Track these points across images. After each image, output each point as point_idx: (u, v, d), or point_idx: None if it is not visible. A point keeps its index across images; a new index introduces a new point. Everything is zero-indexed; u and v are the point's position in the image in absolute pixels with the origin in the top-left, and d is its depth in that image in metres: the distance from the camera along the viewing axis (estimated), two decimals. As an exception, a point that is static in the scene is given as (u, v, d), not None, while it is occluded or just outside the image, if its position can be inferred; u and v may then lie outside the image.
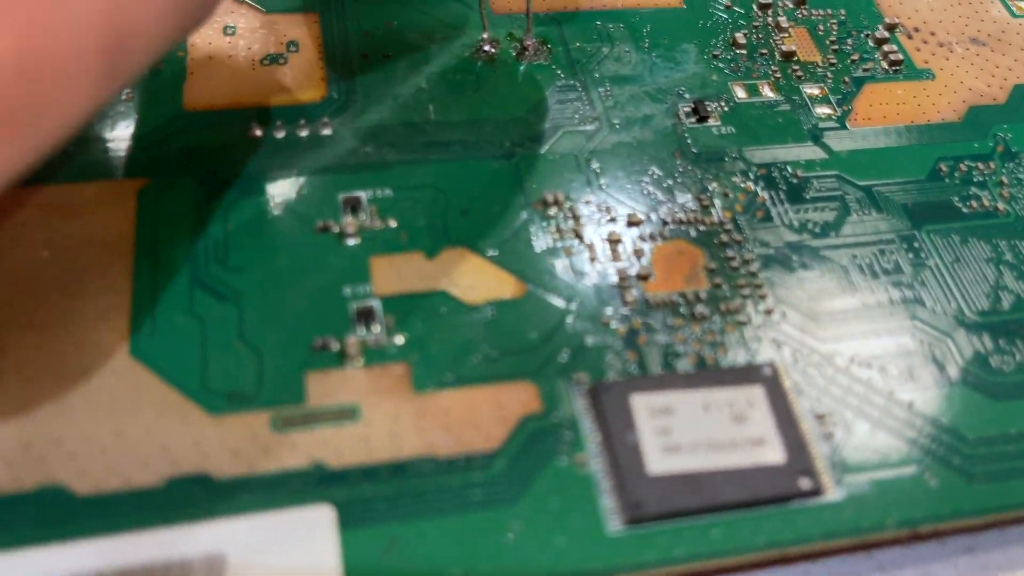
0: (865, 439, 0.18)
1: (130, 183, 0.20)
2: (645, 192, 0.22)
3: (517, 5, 0.25)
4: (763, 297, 0.20)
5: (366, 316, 0.19)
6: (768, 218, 0.21)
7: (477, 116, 0.23)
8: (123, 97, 0.22)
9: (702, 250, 0.21)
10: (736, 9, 0.26)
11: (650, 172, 0.22)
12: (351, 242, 0.20)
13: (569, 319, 0.19)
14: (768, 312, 0.20)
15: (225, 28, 0.24)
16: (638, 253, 0.20)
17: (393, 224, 0.20)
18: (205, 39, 0.23)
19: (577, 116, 0.23)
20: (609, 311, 0.19)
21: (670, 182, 0.22)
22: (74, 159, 0.21)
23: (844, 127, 0.23)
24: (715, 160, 0.22)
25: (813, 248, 0.21)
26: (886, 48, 0.25)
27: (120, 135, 0.21)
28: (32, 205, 0.20)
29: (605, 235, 0.21)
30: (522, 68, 0.24)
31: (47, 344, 0.18)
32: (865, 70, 0.25)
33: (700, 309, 0.20)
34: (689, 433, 0.18)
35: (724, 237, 0.21)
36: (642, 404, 0.18)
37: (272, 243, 0.20)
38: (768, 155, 0.23)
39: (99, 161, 0.21)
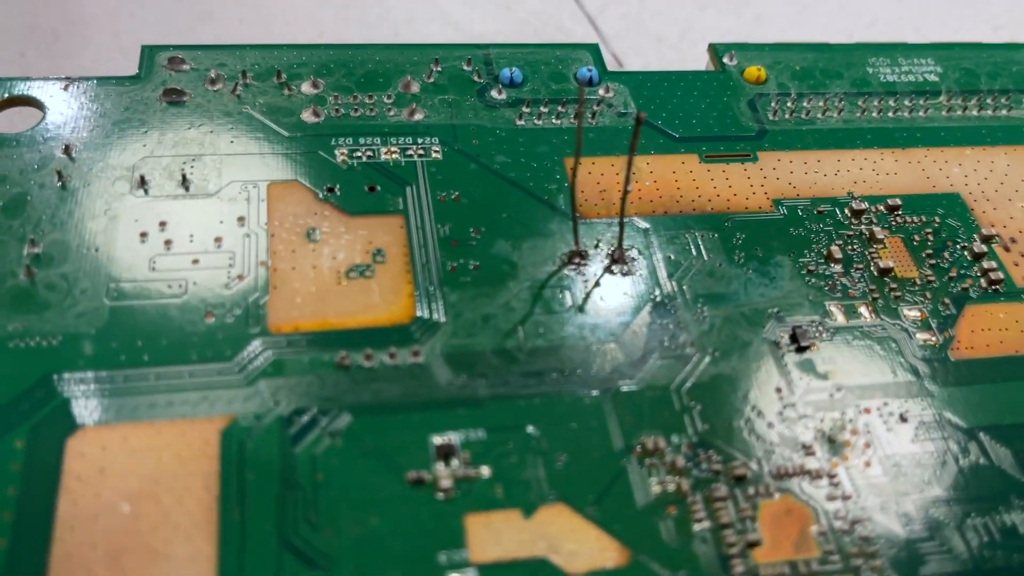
0: None
1: (213, 422, 0.19)
2: (747, 436, 0.21)
3: (607, 210, 0.24)
4: (876, 570, 0.19)
5: (465, 594, 0.18)
6: (876, 465, 0.20)
7: (569, 340, 0.22)
8: (207, 318, 0.21)
9: (810, 509, 0.20)
10: (829, 215, 0.25)
11: (751, 411, 0.21)
12: (444, 497, 0.19)
13: (677, 598, 0.18)
14: (883, 587, 0.19)
15: (308, 232, 0.23)
16: (743, 514, 0.19)
17: (486, 473, 0.19)
18: (288, 244, 0.22)
19: (672, 342, 0.22)
20: (718, 587, 0.18)
21: (773, 425, 0.21)
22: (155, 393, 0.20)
23: (947, 358, 0.23)
24: (817, 398, 0.21)
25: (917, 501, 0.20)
26: (985, 264, 0.24)
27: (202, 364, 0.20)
28: (111, 448, 0.19)
29: (707, 490, 0.20)
30: (614, 282, 0.23)
31: (130, 623, 0.17)
32: (964, 288, 0.24)
33: (812, 584, 0.19)
34: None
35: (834, 491, 0.20)
36: None
37: (363, 498, 0.19)
38: (871, 391, 0.22)
39: (178, 396, 0.20)
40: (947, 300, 0.24)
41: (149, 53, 0.26)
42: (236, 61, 0.26)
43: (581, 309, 0.22)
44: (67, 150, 0.23)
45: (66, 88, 0.25)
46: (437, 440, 0.20)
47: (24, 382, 0.19)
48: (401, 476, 0.19)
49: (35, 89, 0.25)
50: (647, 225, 0.24)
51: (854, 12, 0.40)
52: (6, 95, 0.24)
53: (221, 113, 0.25)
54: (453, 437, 0.20)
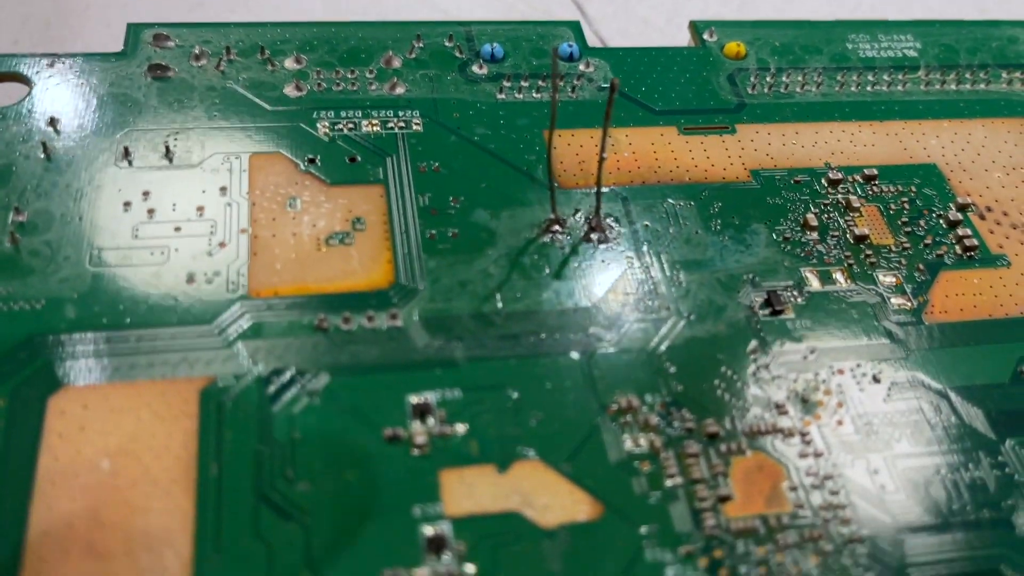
0: None
1: (192, 382, 0.20)
2: (721, 396, 0.21)
3: (585, 180, 0.25)
4: (846, 522, 0.19)
5: (437, 545, 0.18)
6: (848, 424, 0.21)
7: (546, 305, 0.22)
8: (188, 283, 0.21)
9: (782, 466, 0.20)
10: (806, 185, 0.25)
11: (725, 372, 0.21)
12: (420, 452, 0.19)
13: (648, 550, 0.18)
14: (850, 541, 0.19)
15: (289, 201, 0.23)
16: (715, 470, 0.20)
17: (462, 430, 0.20)
18: (268, 213, 0.23)
19: (648, 305, 0.22)
20: (689, 540, 0.19)
21: (747, 384, 0.21)
22: (135, 354, 0.20)
23: (920, 322, 0.23)
24: (791, 359, 0.22)
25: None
26: (960, 231, 0.25)
27: (181, 327, 0.21)
28: (92, 407, 0.19)
29: (680, 448, 0.20)
30: (591, 250, 0.23)
31: (109, 573, 0.17)
32: (939, 255, 0.24)
33: (783, 537, 0.19)
34: None
35: (805, 448, 0.20)
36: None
37: (340, 453, 0.19)
38: (844, 353, 0.22)
39: (159, 357, 0.20)
40: (922, 266, 0.24)
41: (134, 31, 0.26)
42: (220, 38, 0.27)
43: (558, 275, 0.23)
44: (52, 123, 0.24)
45: (52, 64, 0.25)
46: (413, 399, 0.20)
47: (7, 343, 0.20)
48: (378, 433, 0.19)
49: (23, 66, 0.25)
50: (625, 194, 0.25)
51: (839, -4, 0.40)
52: (-6, 70, 0.25)
53: (205, 88, 0.25)
54: (429, 396, 0.20)
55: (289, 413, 0.20)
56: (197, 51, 0.26)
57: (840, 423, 0.21)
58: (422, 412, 0.20)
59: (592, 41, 0.35)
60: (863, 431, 0.21)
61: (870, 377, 0.22)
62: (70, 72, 0.25)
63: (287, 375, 0.20)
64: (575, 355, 0.21)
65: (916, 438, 0.21)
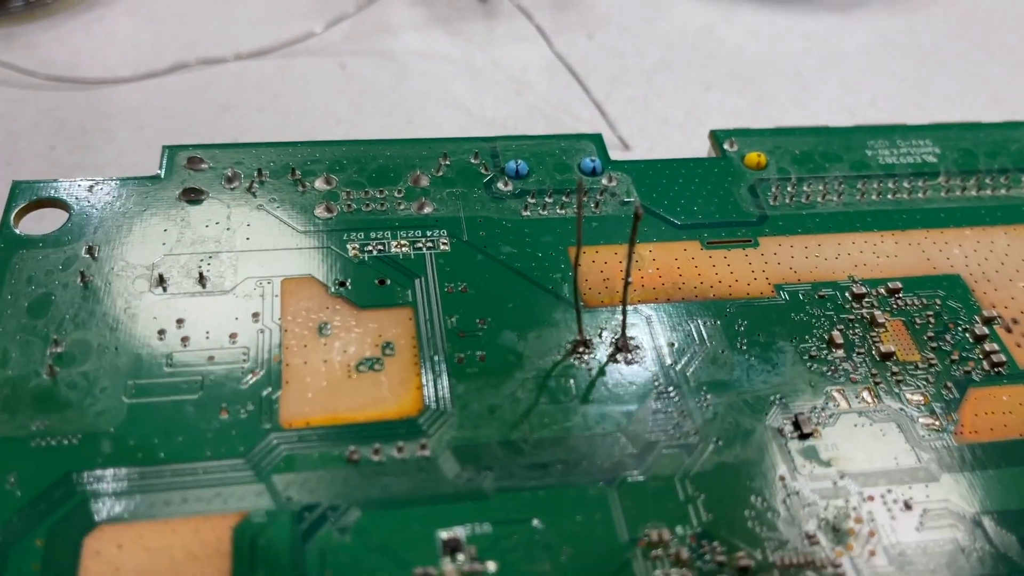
0: None
1: (226, 519, 0.20)
2: (752, 527, 0.21)
3: (610, 298, 0.25)
4: (883, 662, 0.19)
5: None
6: (880, 555, 0.21)
7: (574, 430, 0.22)
8: (221, 415, 0.22)
9: (815, 601, 0.20)
10: (830, 299, 0.26)
11: (755, 500, 0.21)
12: (451, 592, 0.19)
13: None
14: None
15: (321, 327, 0.23)
16: (749, 606, 0.20)
17: (493, 568, 0.20)
18: (300, 339, 0.23)
19: (676, 430, 0.22)
20: None
21: (778, 514, 0.21)
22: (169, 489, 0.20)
23: (950, 443, 0.23)
24: (821, 485, 0.22)
25: (930, 594, 0.20)
26: (987, 346, 0.25)
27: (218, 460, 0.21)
28: (127, 546, 0.19)
29: (713, 583, 0.20)
30: (617, 372, 0.23)
31: None
32: (966, 372, 0.24)
33: None
34: None
35: (837, 583, 0.20)
36: None
37: (371, 594, 0.19)
38: (874, 477, 0.22)
39: (192, 493, 0.20)
40: (949, 384, 0.24)
41: (170, 153, 0.27)
42: (252, 159, 0.27)
43: (586, 399, 0.23)
44: (90, 251, 0.24)
45: (91, 189, 0.26)
46: (444, 535, 0.20)
47: (45, 480, 0.20)
48: (408, 572, 0.19)
49: (62, 191, 0.26)
50: (650, 313, 0.25)
51: (855, 90, 0.41)
52: (35, 198, 0.26)
53: (237, 211, 0.26)
54: (459, 531, 0.20)
55: (321, 550, 0.20)
56: (230, 173, 0.27)
57: (872, 553, 0.21)
58: (452, 549, 0.20)
59: (617, 146, 0.35)
60: (896, 562, 0.21)
61: (901, 504, 0.22)
62: (107, 196, 0.26)
63: (318, 511, 0.20)
64: (604, 484, 0.21)
65: (951, 568, 0.21)
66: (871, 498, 0.22)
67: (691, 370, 0.24)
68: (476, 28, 0.44)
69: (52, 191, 0.26)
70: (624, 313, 0.24)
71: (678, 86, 0.41)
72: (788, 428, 0.23)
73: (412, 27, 0.44)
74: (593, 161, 0.28)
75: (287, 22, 0.42)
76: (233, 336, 0.23)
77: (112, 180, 0.26)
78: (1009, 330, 0.25)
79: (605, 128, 0.37)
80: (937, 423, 0.23)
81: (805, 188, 0.29)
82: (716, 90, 0.41)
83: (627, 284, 0.23)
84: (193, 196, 0.26)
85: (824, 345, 0.25)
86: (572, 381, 0.23)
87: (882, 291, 0.26)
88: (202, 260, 0.25)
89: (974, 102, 0.41)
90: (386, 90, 0.40)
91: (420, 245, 0.26)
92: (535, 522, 0.20)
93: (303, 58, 0.41)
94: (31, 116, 0.37)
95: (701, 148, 0.35)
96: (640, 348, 0.24)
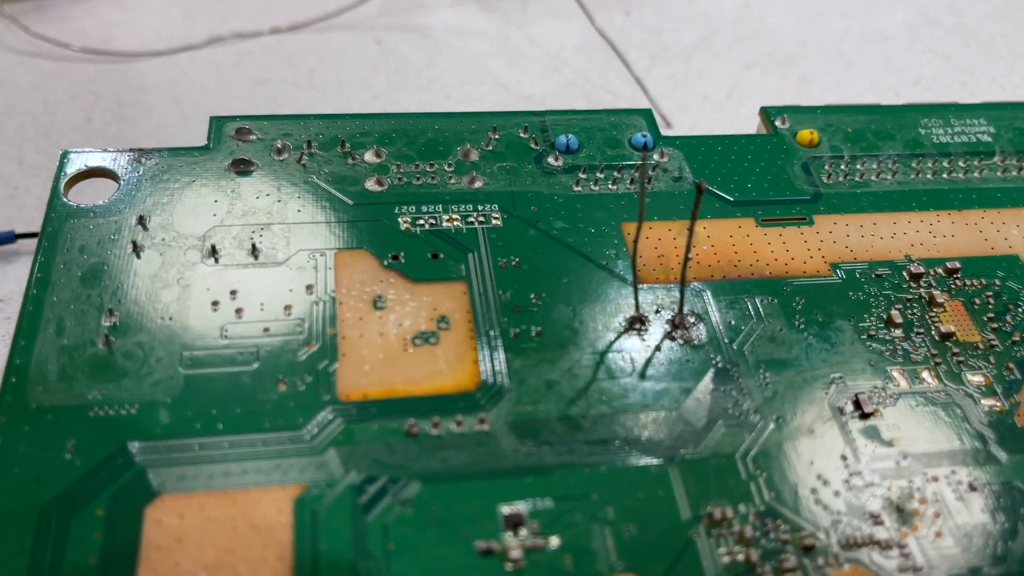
0: None
1: (286, 490, 0.20)
2: (815, 506, 0.21)
3: (665, 275, 0.25)
4: (952, 643, 0.19)
5: (538, 667, 0.18)
6: (947, 536, 0.20)
7: (633, 408, 0.22)
8: (278, 386, 0.21)
9: (881, 581, 0.20)
10: (887, 279, 0.25)
11: (817, 480, 0.21)
12: (514, 567, 0.19)
13: (752, 674, 0.18)
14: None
15: (375, 300, 0.23)
16: (815, 586, 0.19)
17: (555, 543, 0.19)
18: (355, 312, 0.23)
19: (736, 408, 0.22)
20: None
21: (839, 494, 0.21)
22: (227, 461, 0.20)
23: (1013, 425, 0.22)
24: (884, 466, 0.21)
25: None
26: (1048, 327, 0.24)
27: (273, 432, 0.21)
28: (189, 516, 0.19)
29: (777, 562, 0.20)
30: (675, 349, 0.23)
31: None
32: (1028, 353, 0.24)
33: (887, 659, 0.18)
34: None
35: (904, 562, 0.20)
36: None
37: (434, 568, 0.19)
38: (937, 458, 0.22)
39: (252, 464, 0.20)
40: (1011, 365, 0.24)
41: (217, 124, 0.27)
42: (301, 131, 0.27)
43: (643, 375, 0.23)
44: (141, 220, 0.24)
45: (139, 160, 0.26)
46: (506, 510, 0.20)
47: (104, 450, 0.20)
48: (470, 546, 0.19)
49: (110, 161, 0.26)
50: (706, 290, 0.25)
51: (899, 70, 0.40)
52: (85, 167, 0.25)
53: (288, 182, 0.26)
54: (521, 506, 0.20)
55: (382, 523, 0.20)
56: (279, 144, 0.26)
57: (939, 534, 0.20)
58: (515, 524, 0.20)
59: (658, 123, 0.35)
60: (962, 543, 0.20)
61: (966, 485, 0.21)
62: (156, 167, 0.26)
63: (379, 483, 0.20)
64: (665, 461, 0.21)
65: (1018, 552, 0.20)
66: (935, 479, 0.21)
67: (749, 348, 0.23)
68: (510, 4, 0.43)
69: (101, 160, 0.26)
70: (682, 289, 0.23)
71: (718, 64, 0.40)
72: (849, 407, 0.22)
73: (446, 3, 0.43)
74: (644, 136, 0.28)
75: (323, -4, 0.42)
76: (288, 308, 0.23)
77: (161, 150, 0.26)
78: (1069, 312, 0.25)
79: (647, 105, 0.36)
80: (1000, 405, 0.23)
81: (859, 166, 0.28)
82: (757, 69, 0.40)
83: (687, 260, 0.23)
84: (243, 167, 0.26)
85: (883, 325, 0.24)
86: (629, 357, 0.23)
87: (940, 271, 0.26)
88: (254, 232, 0.24)
89: (1020, 83, 0.40)
90: (422, 66, 0.40)
91: (472, 219, 0.25)
92: (596, 497, 0.20)
93: (338, 32, 0.41)
94: (67, 89, 0.37)
95: (744, 127, 0.34)
96: (697, 325, 0.24)
